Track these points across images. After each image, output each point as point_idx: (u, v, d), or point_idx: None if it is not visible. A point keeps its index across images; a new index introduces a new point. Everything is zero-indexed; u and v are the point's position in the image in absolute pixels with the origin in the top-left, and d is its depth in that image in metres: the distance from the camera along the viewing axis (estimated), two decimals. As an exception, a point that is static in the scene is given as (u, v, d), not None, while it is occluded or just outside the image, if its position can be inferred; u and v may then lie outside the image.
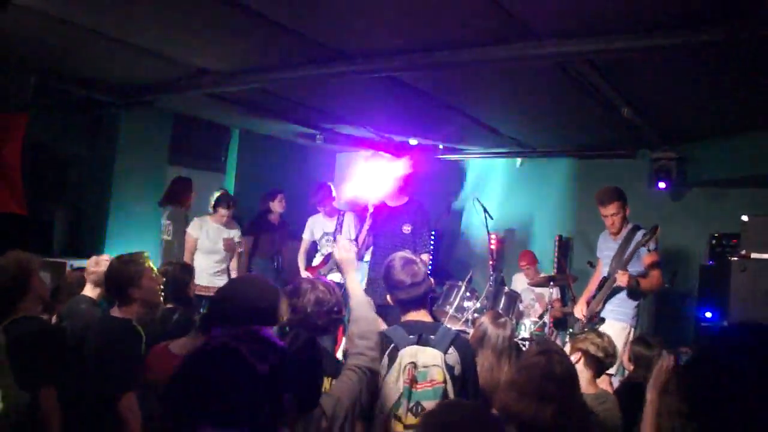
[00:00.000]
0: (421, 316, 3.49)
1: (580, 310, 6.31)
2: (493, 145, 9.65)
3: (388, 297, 3.59)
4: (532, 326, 7.78)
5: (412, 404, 3.19)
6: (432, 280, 3.79)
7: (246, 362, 1.89)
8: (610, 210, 6.15)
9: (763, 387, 1.68)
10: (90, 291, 4.98)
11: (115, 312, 4.03)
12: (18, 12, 4.93)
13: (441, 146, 10.11)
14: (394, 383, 3.21)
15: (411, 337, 3.32)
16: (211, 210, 7.81)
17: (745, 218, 6.02)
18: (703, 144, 8.07)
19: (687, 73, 5.65)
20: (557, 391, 2.92)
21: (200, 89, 6.90)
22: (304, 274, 7.60)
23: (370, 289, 6.44)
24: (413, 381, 3.19)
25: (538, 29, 4.78)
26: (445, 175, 10.37)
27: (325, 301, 3.41)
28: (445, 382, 3.23)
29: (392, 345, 3.32)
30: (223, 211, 7.62)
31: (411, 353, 3.25)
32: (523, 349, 7.46)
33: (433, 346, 3.29)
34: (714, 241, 7.84)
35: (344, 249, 3.20)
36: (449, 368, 3.28)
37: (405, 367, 3.21)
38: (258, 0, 4.65)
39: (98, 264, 5.03)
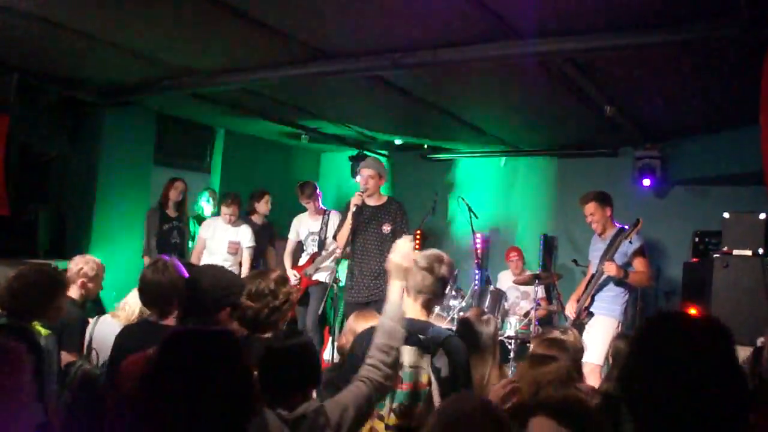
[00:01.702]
0: (416, 313, 3.39)
1: (570, 308, 6.37)
2: (477, 145, 9.68)
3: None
4: (518, 324, 7.81)
5: (395, 405, 3.14)
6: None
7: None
8: (587, 211, 6.31)
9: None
10: (72, 292, 4.93)
11: (156, 318, 3.72)
12: (1, 10, 4.91)
13: (426, 146, 10.13)
14: None
15: None
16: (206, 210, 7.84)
17: (726, 215, 6.07)
18: (685, 142, 8.12)
19: (669, 71, 5.68)
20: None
21: (184, 89, 6.89)
22: (290, 273, 7.58)
23: (353, 288, 6.43)
24: (399, 380, 3.14)
25: (521, 28, 4.80)
26: (430, 174, 10.39)
27: (257, 292, 3.32)
28: (429, 384, 3.17)
29: None
30: (224, 209, 7.64)
31: None
32: (509, 347, 7.51)
33: (422, 347, 3.23)
34: (697, 239, 7.89)
35: (403, 256, 3.07)
36: (435, 370, 3.21)
37: None
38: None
39: (78, 264, 5.00)
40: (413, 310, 3.40)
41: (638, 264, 6.08)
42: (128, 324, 4.22)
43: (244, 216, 8.10)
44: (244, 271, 7.65)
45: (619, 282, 6.05)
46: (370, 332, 3.41)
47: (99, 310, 5.69)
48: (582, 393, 3.59)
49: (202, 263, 7.13)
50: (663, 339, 1.76)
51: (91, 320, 4.88)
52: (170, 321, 3.66)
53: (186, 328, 2.01)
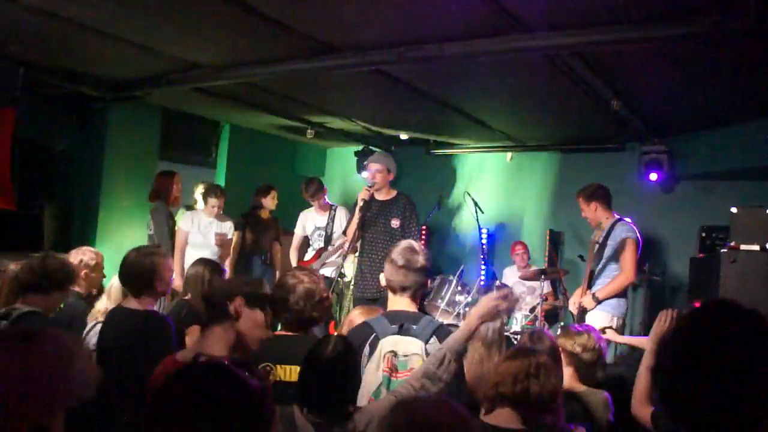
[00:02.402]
0: (405, 305, 3.43)
1: (573, 304, 6.35)
2: (483, 140, 9.65)
3: (381, 279, 3.58)
4: (524, 320, 7.79)
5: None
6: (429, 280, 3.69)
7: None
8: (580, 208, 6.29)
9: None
10: (76, 285, 4.90)
11: (133, 304, 3.89)
12: (6, 4, 4.91)
13: (432, 141, 10.11)
14: (374, 372, 3.17)
15: (393, 326, 3.29)
16: (198, 203, 7.78)
17: (734, 210, 6.04)
18: (692, 137, 8.09)
19: (676, 65, 5.66)
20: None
21: (189, 83, 6.88)
22: (295, 268, 7.57)
23: (361, 283, 6.43)
24: (393, 370, 3.16)
25: (528, 21, 4.78)
26: (436, 169, 10.37)
27: (314, 291, 3.38)
28: None
29: (374, 334, 3.29)
30: (213, 201, 7.53)
31: (392, 342, 3.23)
32: (515, 342, 7.48)
33: (415, 336, 3.26)
34: (704, 234, 7.87)
35: (498, 302, 3.04)
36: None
37: (384, 355, 3.18)
38: (246, -8, 4.65)
39: (77, 256, 5.01)
40: (401, 303, 3.46)
41: (622, 262, 6.05)
42: (109, 313, 4.28)
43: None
44: (228, 263, 7.64)
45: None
46: (363, 327, 3.44)
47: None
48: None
49: (187, 257, 7.10)
50: (700, 327, 1.77)
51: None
52: (144, 304, 3.87)
53: (203, 365, 1.86)
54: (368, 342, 3.28)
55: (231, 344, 2.96)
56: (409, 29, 5.14)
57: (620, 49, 5.21)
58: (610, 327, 5.71)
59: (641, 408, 3.27)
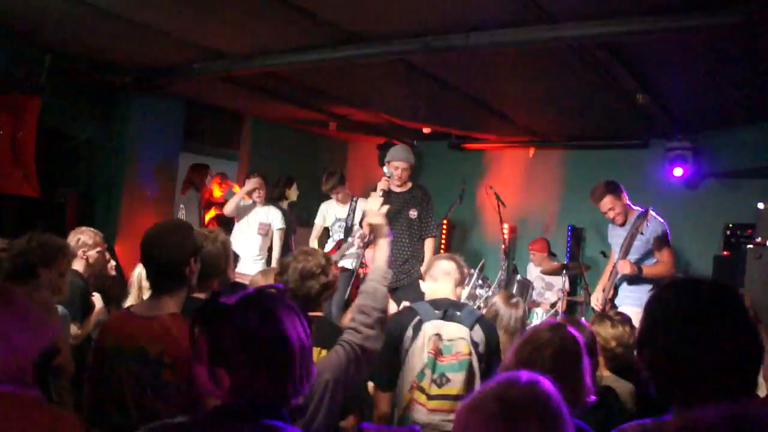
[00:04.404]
0: (449, 294, 3.55)
1: (595, 300, 6.28)
2: (506, 134, 9.61)
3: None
4: (544, 315, 7.76)
5: (436, 376, 3.26)
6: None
7: None
8: (605, 206, 6.15)
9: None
10: (76, 265, 4.78)
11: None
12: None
13: (454, 134, 10.07)
14: (419, 354, 3.26)
15: (436, 311, 3.39)
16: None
17: (761, 206, 5.98)
18: (718, 133, 8.01)
19: (703, 59, 5.60)
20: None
21: (214, 72, 6.88)
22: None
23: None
24: (438, 353, 3.23)
25: (554, 11, 4.74)
26: (458, 164, 10.34)
27: (308, 270, 3.26)
28: (470, 354, 3.29)
29: (417, 318, 3.38)
30: (254, 180, 7.61)
31: (436, 326, 3.34)
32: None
33: (459, 322, 3.36)
34: (728, 231, 7.79)
35: (377, 214, 3.06)
36: (474, 344, 3.34)
37: (429, 338, 3.26)
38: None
39: (75, 235, 4.97)
40: (444, 291, 3.59)
41: (660, 254, 5.98)
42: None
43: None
44: (276, 254, 7.63)
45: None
46: (407, 310, 3.49)
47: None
48: None
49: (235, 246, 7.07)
50: (673, 300, 1.85)
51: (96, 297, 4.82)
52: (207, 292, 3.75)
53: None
54: (411, 325, 3.38)
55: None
56: (435, 18, 5.11)
57: (647, 41, 5.16)
58: None
59: None
